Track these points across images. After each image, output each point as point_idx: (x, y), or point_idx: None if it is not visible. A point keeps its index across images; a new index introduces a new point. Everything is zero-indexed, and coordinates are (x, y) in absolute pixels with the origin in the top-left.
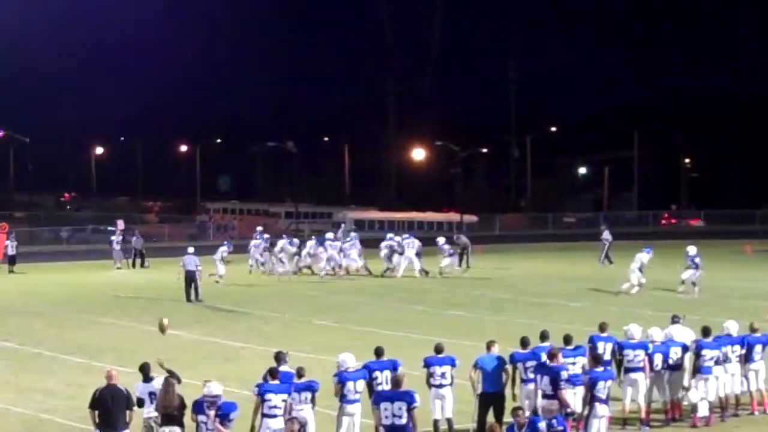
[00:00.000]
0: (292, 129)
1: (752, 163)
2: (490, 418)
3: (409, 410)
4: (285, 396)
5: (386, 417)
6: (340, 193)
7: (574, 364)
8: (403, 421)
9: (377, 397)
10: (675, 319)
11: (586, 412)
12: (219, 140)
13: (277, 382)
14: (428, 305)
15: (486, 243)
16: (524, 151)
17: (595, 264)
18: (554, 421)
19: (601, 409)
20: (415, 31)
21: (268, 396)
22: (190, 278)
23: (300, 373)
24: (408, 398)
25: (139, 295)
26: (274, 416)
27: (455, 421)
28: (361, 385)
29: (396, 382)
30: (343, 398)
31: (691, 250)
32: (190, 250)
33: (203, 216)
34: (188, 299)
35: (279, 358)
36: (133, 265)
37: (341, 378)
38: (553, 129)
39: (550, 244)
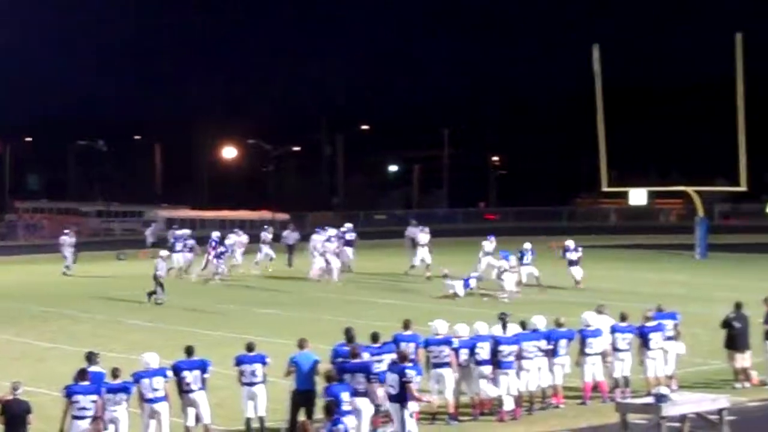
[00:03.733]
0: (103, 128)
1: (558, 162)
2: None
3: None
4: (94, 397)
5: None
6: (151, 192)
7: (381, 361)
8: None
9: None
10: (501, 316)
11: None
12: (29, 139)
13: (86, 383)
14: (242, 303)
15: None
16: (336, 149)
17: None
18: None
19: (410, 405)
20: (230, 31)
21: (77, 397)
22: None
23: (115, 373)
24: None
25: None
26: (83, 417)
27: (267, 419)
28: (159, 383)
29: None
30: (142, 397)
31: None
32: None
33: (12, 215)
34: None
35: (90, 358)
36: None
37: (136, 377)
38: (365, 127)
39: (361, 242)
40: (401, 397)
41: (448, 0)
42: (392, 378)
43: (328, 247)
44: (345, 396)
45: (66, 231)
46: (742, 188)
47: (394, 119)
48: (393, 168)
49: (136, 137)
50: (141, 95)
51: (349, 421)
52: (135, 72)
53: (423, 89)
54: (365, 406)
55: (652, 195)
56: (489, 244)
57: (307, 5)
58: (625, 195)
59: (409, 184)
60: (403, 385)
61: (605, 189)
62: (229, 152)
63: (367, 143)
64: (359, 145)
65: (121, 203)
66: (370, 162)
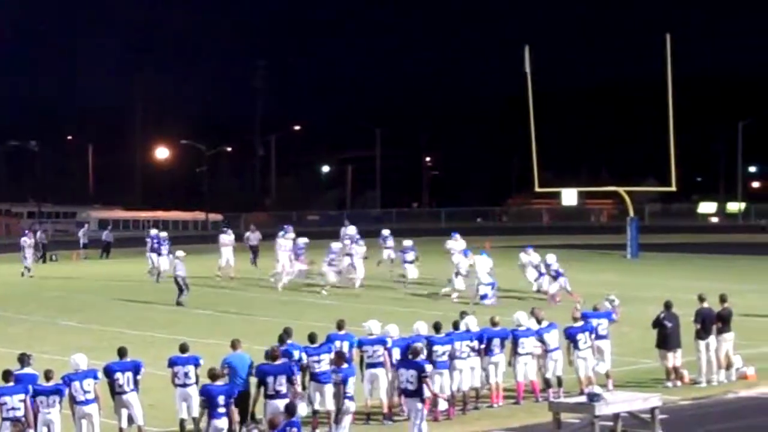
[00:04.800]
0: (35, 128)
1: (491, 162)
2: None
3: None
4: (22, 396)
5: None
6: (84, 192)
7: (319, 362)
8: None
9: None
10: (464, 314)
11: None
12: None
13: (11, 383)
14: (175, 305)
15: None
16: (269, 149)
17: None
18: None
19: (349, 405)
20: (164, 29)
21: (4, 399)
22: None
23: (48, 375)
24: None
25: None
26: (15, 418)
27: (201, 419)
28: (89, 384)
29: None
30: (72, 399)
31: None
32: None
33: None
34: None
35: (23, 360)
36: None
37: (65, 379)
38: (297, 128)
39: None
40: (419, 392)
41: (381, 1)
42: (410, 374)
43: (357, 251)
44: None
45: (26, 232)
46: (672, 188)
47: (326, 120)
48: (325, 168)
49: (69, 137)
50: (74, 95)
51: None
52: (67, 71)
53: (355, 89)
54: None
55: (583, 195)
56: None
57: (242, 4)
58: (557, 195)
59: (342, 185)
60: (422, 380)
61: (537, 189)
62: (162, 152)
63: (300, 144)
64: (292, 145)
65: (53, 204)
66: (302, 162)
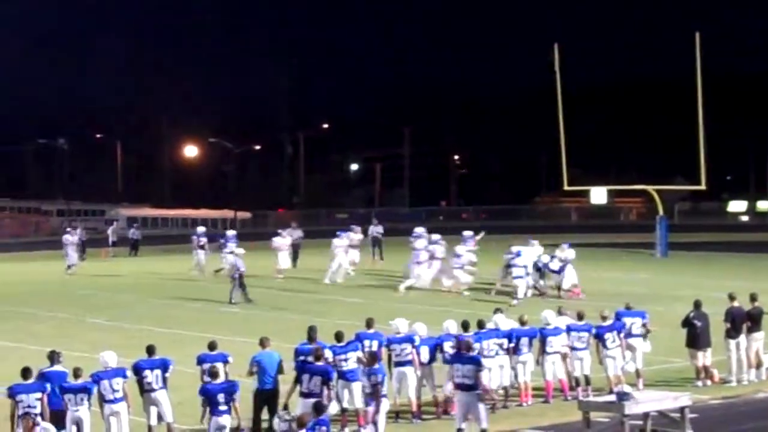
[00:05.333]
0: (64, 126)
1: (519, 161)
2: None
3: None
4: (39, 395)
5: (456, 377)
6: (113, 190)
7: (346, 360)
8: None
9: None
10: (497, 311)
11: (373, 408)
12: None
13: (30, 381)
14: (204, 302)
15: (259, 240)
16: (298, 147)
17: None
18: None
19: (385, 403)
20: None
21: (20, 397)
22: None
23: (77, 373)
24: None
25: None
26: (30, 416)
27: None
28: (118, 383)
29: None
30: (101, 398)
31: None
32: None
33: None
34: None
35: (52, 357)
36: None
37: (95, 378)
38: (326, 126)
39: (324, 240)
40: (475, 386)
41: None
42: (467, 368)
43: (437, 250)
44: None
45: (68, 229)
46: (702, 187)
47: (355, 118)
48: (354, 167)
49: (98, 135)
50: (103, 93)
51: None
52: (96, 70)
53: (384, 88)
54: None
55: (612, 194)
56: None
57: (270, 4)
58: (585, 194)
59: (370, 183)
60: (478, 374)
61: (566, 188)
62: (190, 151)
63: (328, 142)
64: (320, 143)
65: (82, 202)
66: (331, 161)
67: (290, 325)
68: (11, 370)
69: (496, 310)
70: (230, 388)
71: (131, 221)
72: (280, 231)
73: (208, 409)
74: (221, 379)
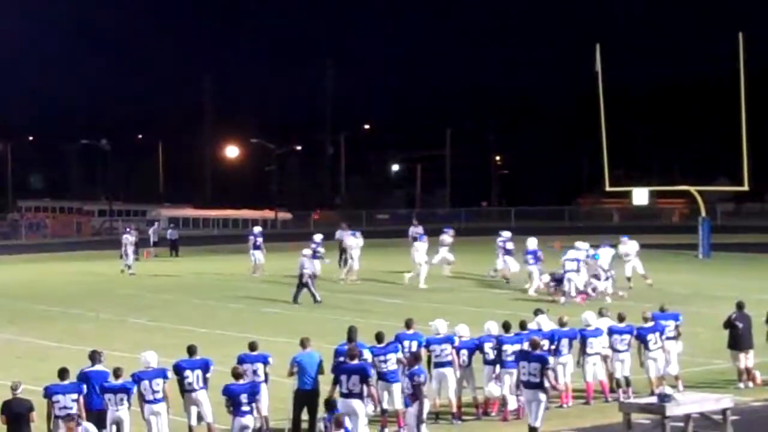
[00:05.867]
0: (106, 126)
1: (561, 161)
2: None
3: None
4: (75, 395)
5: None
6: (154, 191)
7: (386, 361)
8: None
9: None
10: (538, 312)
11: (415, 409)
12: (31, 138)
13: (67, 382)
14: (245, 303)
15: (300, 240)
16: (339, 148)
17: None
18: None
19: (427, 404)
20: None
21: (57, 397)
22: None
23: (117, 373)
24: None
25: None
26: (68, 415)
27: (271, 418)
28: (159, 384)
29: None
30: (141, 398)
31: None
32: None
33: (15, 214)
34: None
35: (93, 357)
36: None
37: (135, 377)
38: (367, 126)
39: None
40: (542, 384)
41: (450, 1)
42: (533, 366)
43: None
44: None
45: (127, 229)
46: (745, 188)
47: (396, 118)
48: (395, 167)
49: (139, 136)
50: (144, 94)
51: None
52: (138, 71)
53: (425, 88)
54: (359, 407)
55: (654, 194)
56: (448, 238)
57: (311, 5)
58: (627, 194)
59: (411, 184)
60: (544, 372)
61: (608, 189)
62: (231, 151)
63: (370, 142)
64: (361, 144)
65: (123, 202)
66: (372, 161)
67: (331, 327)
68: (54, 370)
69: (537, 311)
70: (253, 389)
71: (172, 222)
72: (353, 231)
73: (231, 409)
74: (244, 380)
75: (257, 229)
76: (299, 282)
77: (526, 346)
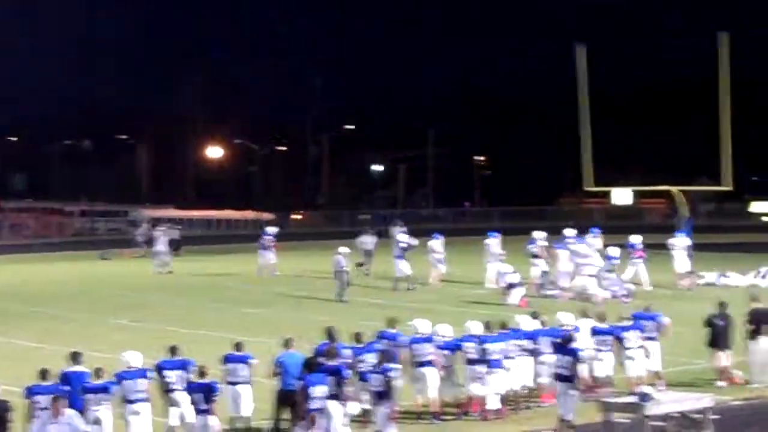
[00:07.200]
0: (88, 127)
1: (542, 161)
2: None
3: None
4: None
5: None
6: (137, 191)
7: (363, 361)
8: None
9: None
10: (534, 316)
11: (386, 408)
12: (14, 138)
13: (47, 382)
14: (227, 303)
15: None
16: (321, 149)
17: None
18: None
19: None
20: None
21: (37, 398)
22: None
23: (98, 373)
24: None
25: None
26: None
27: (253, 418)
28: (142, 384)
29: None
30: (124, 398)
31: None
32: None
33: None
34: None
35: (74, 358)
36: None
37: (118, 377)
38: (350, 127)
39: (347, 241)
40: (573, 378)
41: (433, 0)
42: (566, 360)
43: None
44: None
45: (160, 228)
46: (727, 188)
47: (378, 119)
48: (378, 168)
49: (122, 137)
50: (126, 95)
51: None
52: (120, 71)
53: (407, 89)
54: (334, 408)
55: (637, 195)
56: (436, 242)
57: (293, 4)
58: (609, 194)
59: (394, 184)
60: (576, 366)
61: (589, 188)
62: (215, 152)
63: (352, 143)
64: (344, 144)
65: (105, 203)
66: (354, 162)
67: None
68: (32, 371)
69: (534, 314)
70: (209, 389)
71: (169, 221)
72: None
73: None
74: (209, 378)
75: (271, 229)
76: (342, 280)
77: (505, 345)
